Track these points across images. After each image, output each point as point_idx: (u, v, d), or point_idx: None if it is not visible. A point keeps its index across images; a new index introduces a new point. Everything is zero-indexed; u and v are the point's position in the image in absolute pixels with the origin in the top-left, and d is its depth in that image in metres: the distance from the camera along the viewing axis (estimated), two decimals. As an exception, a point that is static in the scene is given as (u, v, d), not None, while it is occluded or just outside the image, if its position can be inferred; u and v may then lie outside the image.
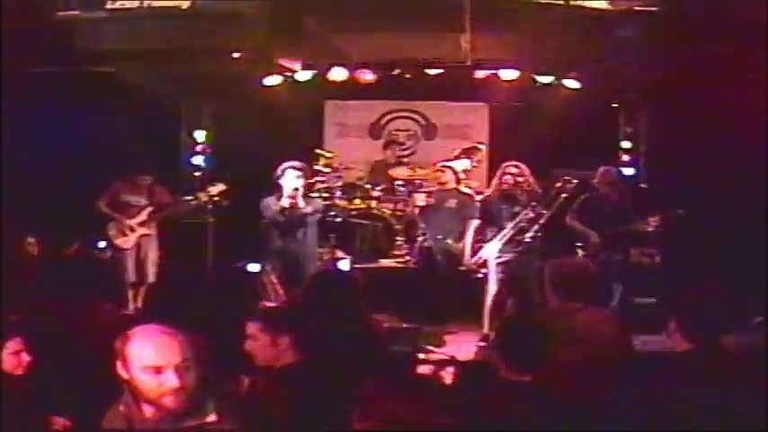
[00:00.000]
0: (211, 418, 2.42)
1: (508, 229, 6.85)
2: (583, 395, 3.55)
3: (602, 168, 7.58)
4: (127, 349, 2.40)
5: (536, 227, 6.77)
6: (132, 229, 7.77)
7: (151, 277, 7.90)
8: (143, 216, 7.81)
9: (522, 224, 6.83)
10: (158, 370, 2.34)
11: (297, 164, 7.17)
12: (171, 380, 2.33)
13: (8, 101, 7.23)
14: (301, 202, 7.03)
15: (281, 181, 7.08)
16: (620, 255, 7.34)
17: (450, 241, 7.51)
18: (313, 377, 3.18)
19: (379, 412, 2.14)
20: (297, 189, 7.00)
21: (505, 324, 3.53)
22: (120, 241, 7.72)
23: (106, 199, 7.77)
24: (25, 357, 3.38)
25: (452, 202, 7.72)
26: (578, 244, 7.38)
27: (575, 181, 6.98)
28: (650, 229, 7.26)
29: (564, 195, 6.90)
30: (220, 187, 8.26)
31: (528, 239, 6.79)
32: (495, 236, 6.91)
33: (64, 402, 3.52)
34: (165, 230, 8.37)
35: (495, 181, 7.13)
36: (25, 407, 3.26)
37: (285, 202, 6.99)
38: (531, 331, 3.39)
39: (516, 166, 6.98)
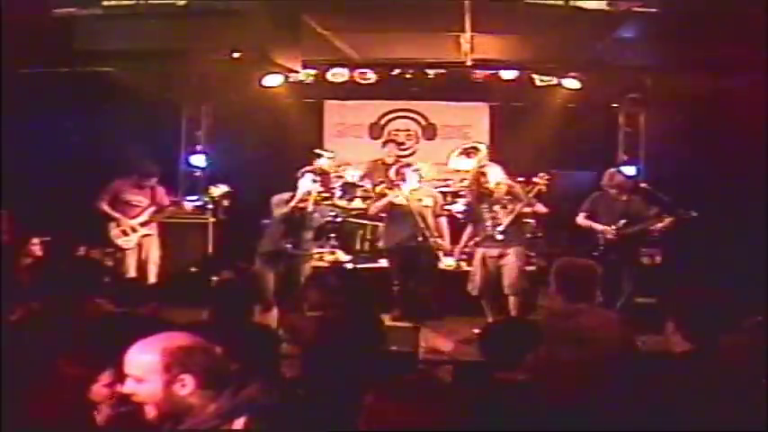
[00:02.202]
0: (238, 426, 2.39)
1: (489, 226, 7.06)
2: (586, 396, 3.54)
3: (609, 171, 7.61)
4: None
5: (508, 219, 6.99)
6: (134, 229, 7.75)
7: (153, 277, 7.89)
8: (144, 216, 7.80)
9: (497, 219, 7.02)
10: (125, 377, 2.48)
11: (316, 169, 7.21)
12: (125, 386, 2.47)
13: (7, 101, 7.22)
14: (310, 207, 7.02)
15: (300, 183, 7.07)
16: (629, 255, 7.35)
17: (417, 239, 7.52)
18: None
19: (383, 418, 2.14)
20: (309, 193, 7.00)
21: (487, 325, 3.53)
22: (121, 241, 7.71)
23: (107, 198, 7.76)
24: (118, 388, 3.28)
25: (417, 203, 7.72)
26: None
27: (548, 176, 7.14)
28: (662, 229, 7.29)
29: (538, 189, 7.08)
30: (222, 189, 8.26)
31: (502, 232, 6.98)
32: (478, 234, 7.16)
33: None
34: (167, 230, 8.40)
35: (470, 182, 7.37)
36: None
37: (296, 204, 6.97)
38: (514, 330, 3.40)
39: (492, 168, 7.22)
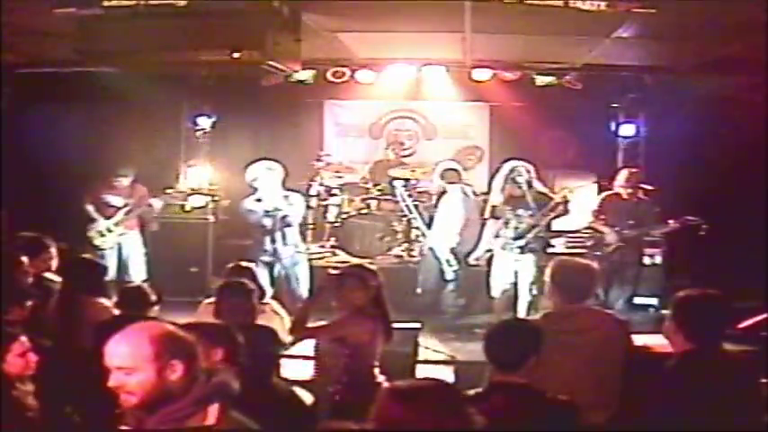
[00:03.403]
0: (210, 420, 2.41)
1: (510, 232, 6.89)
2: (585, 395, 3.54)
3: (625, 171, 7.58)
4: None
5: (532, 233, 6.79)
6: (109, 230, 7.77)
7: (135, 276, 7.88)
8: (119, 216, 7.80)
9: (521, 229, 6.85)
10: (108, 369, 2.44)
11: (272, 164, 7.06)
12: (111, 380, 2.42)
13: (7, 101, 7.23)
14: (282, 203, 6.93)
15: (258, 183, 6.95)
16: (633, 257, 7.33)
17: (453, 241, 7.54)
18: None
19: (389, 420, 2.15)
20: (276, 190, 6.90)
21: (491, 328, 3.51)
22: (99, 242, 7.72)
23: (90, 200, 7.80)
24: (32, 358, 3.36)
25: (455, 202, 7.74)
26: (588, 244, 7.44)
27: (572, 194, 6.95)
28: (666, 231, 7.26)
29: (561, 209, 6.88)
30: (203, 200, 8.31)
31: (525, 243, 6.84)
32: (499, 235, 6.99)
33: (69, 400, 3.53)
34: (167, 230, 8.42)
35: (501, 182, 7.01)
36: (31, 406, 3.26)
37: (268, 204, 6.89)
38: (513, 334, 3.37)
39: (527, 170, 6.94)
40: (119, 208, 7.80)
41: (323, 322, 4.51)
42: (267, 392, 3.38)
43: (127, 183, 7.85)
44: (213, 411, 2.41)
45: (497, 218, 7.04)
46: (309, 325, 4.50)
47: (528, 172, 6.91)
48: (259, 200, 6.91)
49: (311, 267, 7.43)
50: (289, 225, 6.95)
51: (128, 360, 2.40)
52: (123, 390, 2.40)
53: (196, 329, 3.30)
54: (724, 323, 3.38)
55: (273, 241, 6.88)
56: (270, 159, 7.16)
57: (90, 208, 7.77)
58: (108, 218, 7.77)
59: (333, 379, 4.24)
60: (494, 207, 7.07)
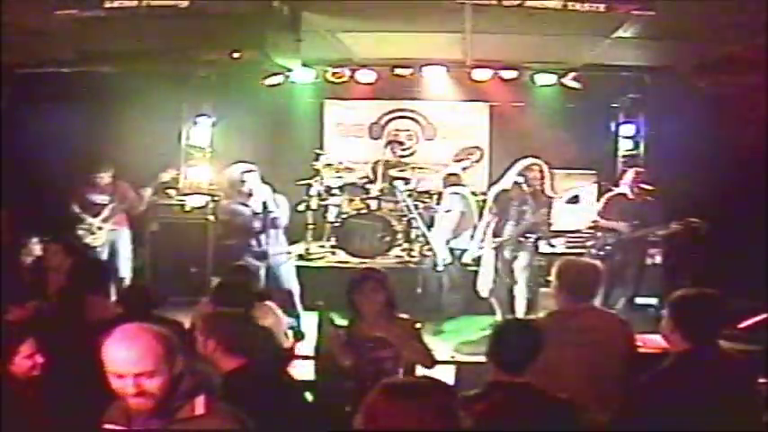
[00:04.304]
0: (200, 410, 2.45)
1: (510, 229, 6.89)
2: (587, 395, 3.54)
3: (632, 170, 7.60)
4: (102, 351, 2.48)
5: (531, 232, 6.79)
6: (99, 227, 7.81)
7: (124, 273, 7.90)
8: (105, 213, 7.84)
9: (521, 227, 6.85)
10: (120, 376, 2.42)
11: (253, 166, 7.02)
12: (129, 387, 2.40)
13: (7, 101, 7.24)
14: (271, 204, 6.88)
15: (246, 185, 6.84)
16: (634, 257, 7.33)
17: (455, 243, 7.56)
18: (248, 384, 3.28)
19: (380, 417, 2.14)
20: (263, 191, 6.84)
21: (495, 328, 3.49)
22: (89, 240, 7.77)
23: (76, 200, 7.83)
24: (39, 359, 3.35)
25: (459, 205, 7.77)
26: (589, 243, 7.45)
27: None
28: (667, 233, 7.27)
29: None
30: (203, 199, 8.33)
31: (524, 240, 6.83)
32: (497, 229, 7.00)
33: (71, 398, 3.53)
34: (167, 229, 8.42)
35: (513, 175, 6.99)
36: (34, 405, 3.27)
37: (256, 206, 6.82)
38: (518, 335, 3.35)
39: (540, 169, 6.94)
40: (104, 205, 7.84)
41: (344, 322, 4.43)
42: (267, 392, 3.38)
43: (108, 179, 7.88)
44: (200, 402, 2.46)
45: (498, 210, 7.01)
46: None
47: (541, 172, 6.93)
48: (243, 203, 6.86)
49: (305, 268, 7.42)
50: (277, 227, 6.94)
51: (148, 364, 2.39)
52: (144, 395, 2.39)
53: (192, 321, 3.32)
54: (721, 322, 3.38)
55: (262, 243, 6.86)
56: (245, 162, 7.08)
57: (75, 207, 7.80)
58: (95, 216, 7.81)
59: (361, 381, 4.06)
60: (497, 197, 7.04)
